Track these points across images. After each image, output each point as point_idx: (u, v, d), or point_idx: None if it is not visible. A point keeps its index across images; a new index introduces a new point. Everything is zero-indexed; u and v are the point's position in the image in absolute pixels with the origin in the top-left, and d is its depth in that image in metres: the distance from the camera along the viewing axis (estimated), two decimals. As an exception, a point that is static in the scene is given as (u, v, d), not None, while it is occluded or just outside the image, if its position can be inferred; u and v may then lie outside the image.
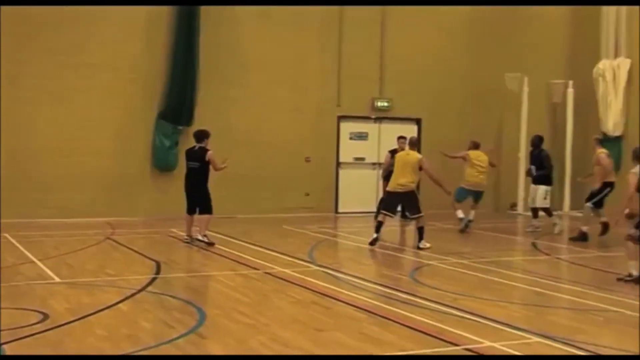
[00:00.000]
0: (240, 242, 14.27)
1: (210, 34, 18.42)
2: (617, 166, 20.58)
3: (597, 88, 21.14)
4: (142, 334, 7.57)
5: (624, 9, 20.65)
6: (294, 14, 19.50)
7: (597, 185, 15.51)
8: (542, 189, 16.57)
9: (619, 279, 10.81)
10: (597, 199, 15.42)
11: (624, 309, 9.17)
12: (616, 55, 20.95)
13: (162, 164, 18.27)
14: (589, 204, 15.53)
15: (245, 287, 10.21)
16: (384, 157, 19.41)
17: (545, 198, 16.58)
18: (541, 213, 16.88)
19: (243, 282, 10.58)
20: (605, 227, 15.40)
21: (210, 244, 13.83)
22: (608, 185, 15.39)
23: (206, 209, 14.08)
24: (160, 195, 17.97)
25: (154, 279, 10.50)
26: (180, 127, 18.20)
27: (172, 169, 18.10)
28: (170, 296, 9.45)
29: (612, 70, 20.90)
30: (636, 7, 20.33)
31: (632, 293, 10.09)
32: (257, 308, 8.90)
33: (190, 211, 14.19)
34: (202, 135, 14.23)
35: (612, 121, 20.81)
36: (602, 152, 15.62)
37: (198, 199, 14.11)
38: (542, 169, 16.62)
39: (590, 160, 16.42)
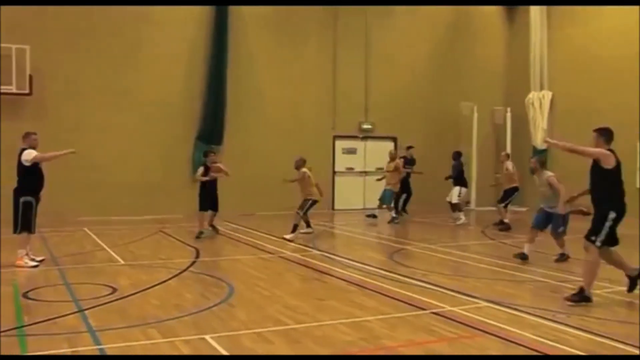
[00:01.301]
0: (259, 233, 14.27)
1: (235, 76, 18.53)
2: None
3: (528, 113, 21.15)
4: (186, 303, 7.59)
5: (545, 54, 20.75)
6: (297, 60, 19.58)
7: (506, 187, 15.65)
8: (456, 189, 16.57)
9: (556, 260, 10.65)
10: (508, 201, 15.61)
11: (549, 279, 9.20)
12: (541, 89, 20.98)
13: (199, 174, 18.33)
14: (501, 205, 15.58)
15: (263, 267, 10.21)
16: (370, 166, 19.75)
17: (459, 195, 16.51)
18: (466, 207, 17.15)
19: (262, 264, 10.58)
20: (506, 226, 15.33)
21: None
22: (516, 190, 15.59)
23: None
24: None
25: (194, 262, 10.50)
26: (213, 146, 18.25)
27: (207, 178, 18.26)
28: (207, 275, 9.47)
29: (539, 100, 20.91)
30: (555, 52, 20.41)
31: (556, 267, 10.13)
32: (272, 283, 8.91)
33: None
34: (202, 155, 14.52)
35: (539, 138, 20.79)
36: (510, 163, 15.79)
37: None
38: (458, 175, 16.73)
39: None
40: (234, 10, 18.63)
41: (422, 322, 6.79)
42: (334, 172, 20.26)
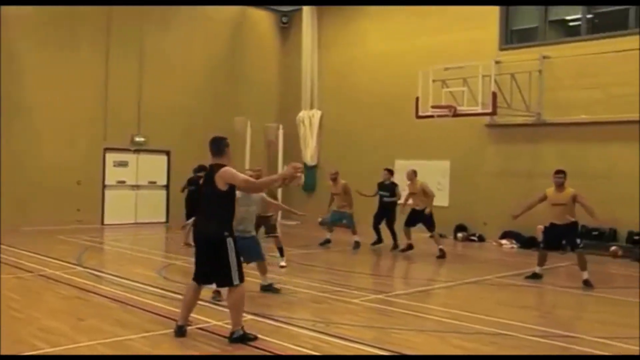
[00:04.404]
0: (20, 251, 13.16)
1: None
2: (314, 187, 21.66)
3: (299, 130, 22.10)
4: None
5: (315, 74, 21.85)
6: (67, 65, 18.47)
7: (420, 207, 14.14)
8: None
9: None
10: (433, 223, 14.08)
11: (311, 290, 9.60)
12: (311, 107, 22.04)
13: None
14: (435, 233, 14.16)
15: (19, 287, 9.45)
16: (142, 179, 19.24)
17: None
18: None
19: (18, 284, 9.77)
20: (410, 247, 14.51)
21: None
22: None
23: None
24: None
25: (-62, 284, 9.47)
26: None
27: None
28: (-47, 298, 8.57)
29: (308, 118, 21.95)
30: (324, 73, 21.58)
31: (319, 278, 10.58)
32: (28, 304, 8.30)
33: None
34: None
35: (309, 155, 21.83)
36: (423, 182, 14.42)
37: None
38: None
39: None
40: (-6, 10, 17.22)
41: (186, 338, 6.73)
42: (104, 186, 19.46)
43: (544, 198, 11.13)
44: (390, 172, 15.62)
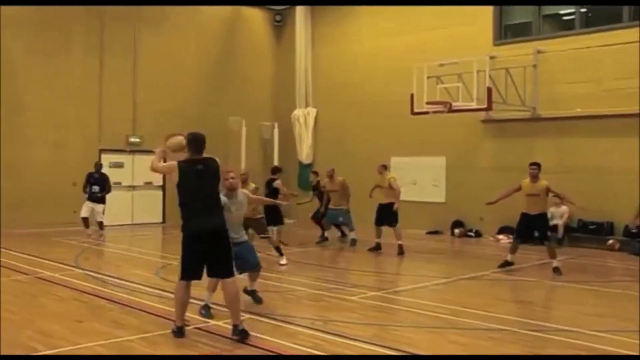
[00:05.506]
0: (16, 253, 13.09)
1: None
2: (307, 184, 21.64)
3: (294, 128, 22.11)
4: None
5: (310, 73, 21.85)
6: (61, 66, 18.51)
7: (391, 203, 13.79)
8: (101, 206, 16.37)
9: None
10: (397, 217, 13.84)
11: (308, 288, 9.59)
12: (306, 106, 22.04)
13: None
14: (397, 225, 13.83)
15: (16, 290, 9.41)
16: (138, 180, 19.14)
17: (103, 213, 16.41)
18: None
19: (15, 286, 9.74)
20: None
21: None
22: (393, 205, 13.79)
23: None
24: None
25: None
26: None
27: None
28: (-50, 302, 8.54)
29: (304, 116, 21.96)
30: (319, 71, 21.57)
31: (314, 276, 10.59)
32: (25, 307, 8.27)
33: None
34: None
35: (305, 152, 21.84)
36: (392, 176, 14.13)
37: None
38: (103, 189, 16.41)
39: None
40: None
41: (185, 338, 6.73)
42: (101, 187, 19.44)
43: (518, 189, 11.72)
44: (315, 173, 16.83)
